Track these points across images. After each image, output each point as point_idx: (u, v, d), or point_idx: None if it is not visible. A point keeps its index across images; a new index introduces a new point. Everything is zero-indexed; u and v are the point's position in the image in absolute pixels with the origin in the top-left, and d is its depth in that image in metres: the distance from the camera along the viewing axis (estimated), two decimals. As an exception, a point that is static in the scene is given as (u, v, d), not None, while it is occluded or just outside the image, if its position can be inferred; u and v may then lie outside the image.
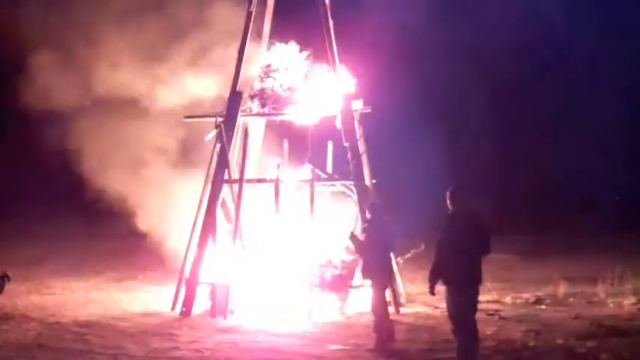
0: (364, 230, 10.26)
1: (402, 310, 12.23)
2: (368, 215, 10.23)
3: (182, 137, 14.08)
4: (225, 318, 11.56)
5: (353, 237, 10.20)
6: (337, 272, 12.17)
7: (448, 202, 7.99)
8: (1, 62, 15.94)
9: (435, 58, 24.07)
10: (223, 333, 10.52)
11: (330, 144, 13.62)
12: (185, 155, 14.09)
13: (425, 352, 9.23)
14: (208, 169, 12.83)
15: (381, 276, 9.74)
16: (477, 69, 24.73)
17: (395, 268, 13.05)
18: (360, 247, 10.00)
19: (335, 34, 12.90)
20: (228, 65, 13.02)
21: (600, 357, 8.71)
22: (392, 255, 10.71)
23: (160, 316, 12.03)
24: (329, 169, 13.46)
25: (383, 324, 9.53)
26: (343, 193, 13.08)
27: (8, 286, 12.61)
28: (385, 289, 9.92)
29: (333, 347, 9.49)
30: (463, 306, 7.77)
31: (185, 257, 12.67)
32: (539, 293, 13.28)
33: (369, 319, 11.31)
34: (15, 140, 22.13)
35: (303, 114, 13.04)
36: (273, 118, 13.48)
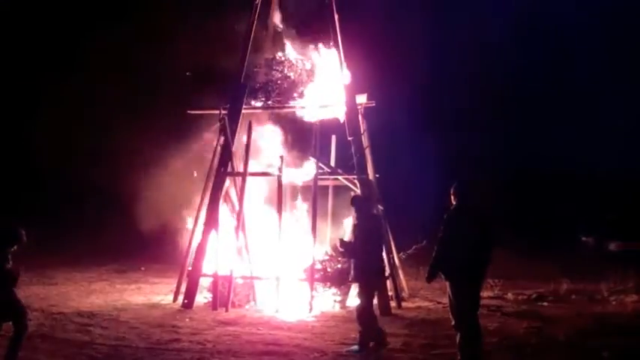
0: (353, 229, 9.41)
1: (404, 304, 12.23)
2: (353, 212, 9.40)
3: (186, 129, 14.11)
4: (226, 310, 11.57)
5: (342, 243, 9.31)
6: (338, 266, 12.16)
7: (452, 197, 7.98)
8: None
9: (437, 54, 23.99)
10: (225, 325, 10.53)
11: (333, 138, 13.62)
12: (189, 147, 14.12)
13: (426, 346, 9.21)
14: (212, 162, 12.83)
15: (372, 280, 9.04)
16: (477, 67, 24.69)
17: (397, 262, 13.08)
18: (350, 250, 9.12)
19: (340, 27, 12.87)
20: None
21: (602, 354, 8.69)
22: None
23: (162, 307, 12.06)
24: (332, 162, 13.45)
25: (369, 334, 8.93)
26: (346, 187, 13.07)
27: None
28: (373, 294, 9.17)
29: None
30: (465, 301, 7.76)
31: (187, 249, 12.70)
32: (541, 290, 13.26)
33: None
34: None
35: (307, 108, 13.03)
36: (277, 111, 13.47)
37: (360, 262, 8.97)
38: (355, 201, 9.43)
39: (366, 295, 8.99)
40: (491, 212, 8.07)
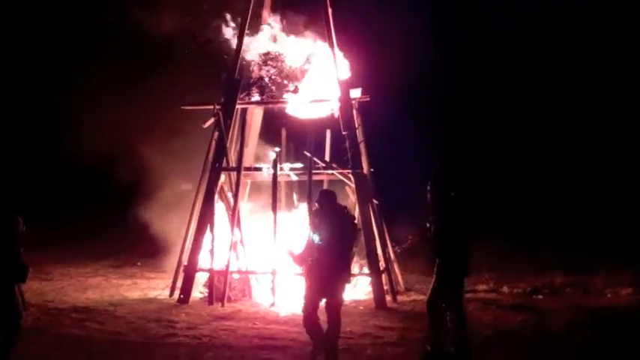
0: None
1: (400, 298, 12.27)
2: (316, 206, 8.35)
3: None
4: (222, 305, 11.59)
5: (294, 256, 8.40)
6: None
7: (428, 195, 8.18)
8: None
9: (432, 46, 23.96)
10: (221, 320, 10.55)
11: (328, 132, 13.63)
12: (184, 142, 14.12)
13: (422, 339, 9.24)
14: (206, 157, 12.85)
15: (317, 286, 7.99)
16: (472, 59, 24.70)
17: (392, 256, 13.10)
18: (300, 257, 8.20)
19: (334, 22, 12.87)
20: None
21: (597, 346, 8.74)
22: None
23: (158, 302, 12.07)
24: (327, 157, 13.47)
25: (316, 340, 8.11)
26: (341, 181, 13.09)
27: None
28: (313, 300, 8.06)
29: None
30: (455, 291, 8.10)
31: (183, 244, 12.72)
32: (536, 283, 13.31)
33: (367, 307, 11.39)
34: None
35: (301, 103, 13.03)
36: (271, 106, 13.47)
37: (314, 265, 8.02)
38: (320, 196, 8.29)
39: (307, 303, 8.08)
40: (470, 205, 8.23)
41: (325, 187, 13.29)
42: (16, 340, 7.63)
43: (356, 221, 8.81)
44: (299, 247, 8.21)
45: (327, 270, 7.90)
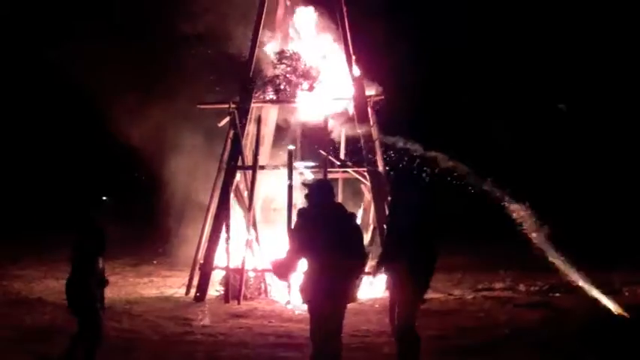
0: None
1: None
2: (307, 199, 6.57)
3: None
4: (238, 303, 11.63)
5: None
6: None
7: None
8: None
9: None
10: (237, 318, 10.60)
11: (343, 131, 13.62)
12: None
13: (436, 339, 9.22)
14: (222, 156, 12.90)
15: (313, 301, 6.36)
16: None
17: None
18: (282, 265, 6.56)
19: (349, 20, 12.86)
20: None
21: (614, 345, 8.69)
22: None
23: (174, 300, 12.13)
24: (342, 155, 13.47)
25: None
26: (356, 179, 13.09)
27: (24, 272, 12.76)
28: (320, 319, 6.34)
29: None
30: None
31: (199, 242, 12.78)
32: (553, 281, 13.23)
33: (382, 305, 11.37)
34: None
35: (317, 101, 13.04)
36: (286, 104, 13.48)
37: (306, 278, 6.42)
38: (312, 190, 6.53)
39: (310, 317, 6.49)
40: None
41: (340, 185, 13.33)
42: (99, 339, 7.57)
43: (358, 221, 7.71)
44: (280, 256, 6.63)
45: (324, 286, 6.21)
